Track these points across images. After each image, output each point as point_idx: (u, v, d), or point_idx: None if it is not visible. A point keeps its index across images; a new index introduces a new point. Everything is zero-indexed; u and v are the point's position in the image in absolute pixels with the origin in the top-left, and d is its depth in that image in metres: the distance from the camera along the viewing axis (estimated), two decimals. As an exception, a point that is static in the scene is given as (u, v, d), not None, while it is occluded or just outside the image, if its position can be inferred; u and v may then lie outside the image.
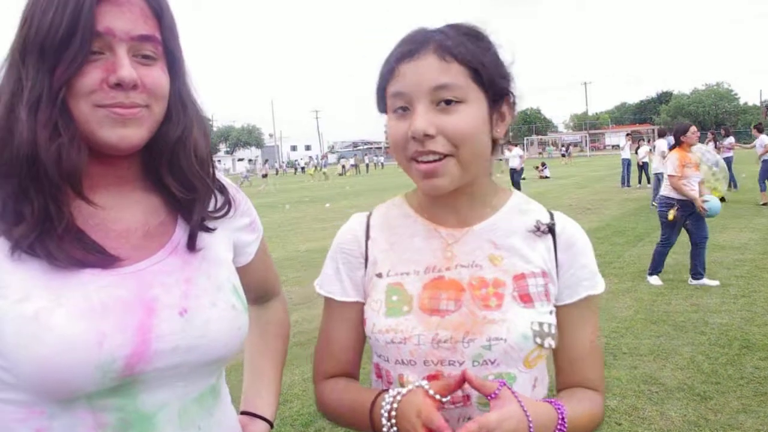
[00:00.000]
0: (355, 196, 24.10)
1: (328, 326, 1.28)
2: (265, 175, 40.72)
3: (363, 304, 1.23)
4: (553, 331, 1.14)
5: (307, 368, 4.92)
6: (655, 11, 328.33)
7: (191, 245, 1.09)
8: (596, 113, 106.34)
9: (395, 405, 1.06)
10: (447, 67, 1.07)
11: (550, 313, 1.15)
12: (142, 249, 1.04)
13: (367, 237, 1.25)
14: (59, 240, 0.94)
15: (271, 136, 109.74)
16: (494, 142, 1.16)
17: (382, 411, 1.08)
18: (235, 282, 1.14)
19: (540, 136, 77.28)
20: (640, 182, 19.90)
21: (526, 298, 1.13)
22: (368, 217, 1.28)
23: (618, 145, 44.00)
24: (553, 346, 1.14)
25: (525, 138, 72.73)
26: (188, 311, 1.02)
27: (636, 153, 20.35)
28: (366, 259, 1.24)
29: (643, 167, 19.61)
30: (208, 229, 1.13)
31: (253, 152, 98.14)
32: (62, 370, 0.89)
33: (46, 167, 0.93)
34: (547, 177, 26.99)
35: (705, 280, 6.90)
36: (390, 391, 1.10)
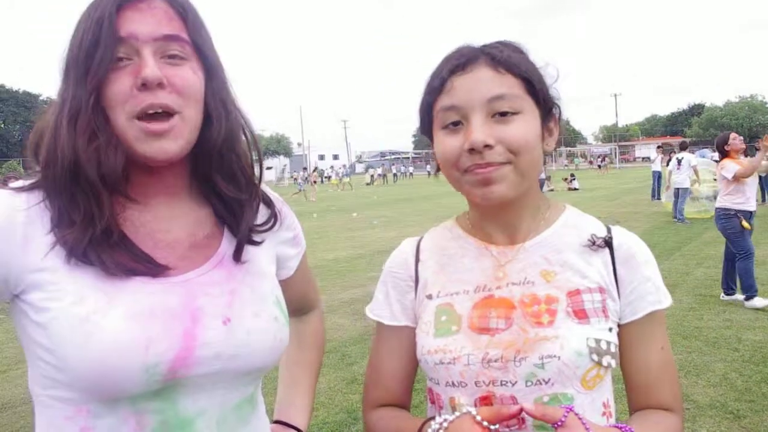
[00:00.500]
0: (383, 206, 24.11)
1: (378, 353, 1.27)
2: (314, 182, 40.90)
3: (413, 328, 1.21)
4: (613, 349, 1.09)
5: (332, 377, 4.94)
6: (686, 22, 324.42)
7: (237, 257, 1.11)
8: (626, 125, 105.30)
9: (446, 424, 1.03)
10: (501, 79, 1.06)
11: (609, 330, 1.10)
12: (188, 259, 1.07)
13: (417, 260, 1.24)
14: (111, 249, 0.99)
15: (299, 145, 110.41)
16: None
17: (432, 427, 1.05)
18: (278, 294, 1.16)
19: (568, 148, 76.66)
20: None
21: (581, 314, 1.08)
22: (419, 241, 1.27)
23: (648, 158, 43.45)
24: (614, 365, 1.09)
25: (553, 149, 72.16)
26: (231, 320, 1.04)
27: (667, 165, 20.03)
28: (416, 282, 1.22)
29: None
30: (255, 243, 1.15)
31: (281, 161, 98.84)
32: (111, 370, 0.93)
33: (86, 171, 0.98)
34: (575, 189, 26.73)
35: (738, 296, 6.75)
36: (437, 417, 1.06)
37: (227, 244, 1.13)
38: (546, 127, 1.13)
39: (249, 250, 1.14)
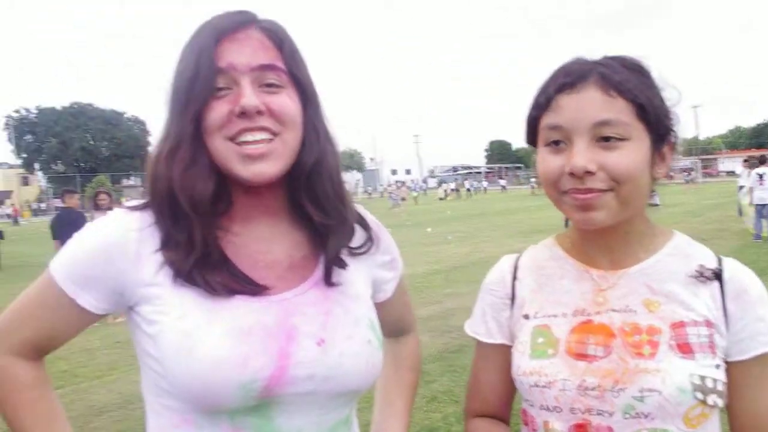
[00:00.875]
0: (457, 221, 23.95)
1: (477, 366, 1.29)
2: (403, 199, 41.20)
3: (509, 346, 1.20)
4: (720, 387, 1.02)
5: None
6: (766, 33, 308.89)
7: (327, 280, 1.13)
8: (708, 137, 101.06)
9: None
10: (611, 103, 1.01)
11: (717, 367, 1.03)
12: (286, 280, 1.10)
13: (515, 278, 1.22)
14: (213, 270, 1.04)
15: (372, 159, 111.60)
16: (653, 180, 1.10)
17: None
18: (372, 317, 1.16)
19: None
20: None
21: (685, 348, 1.03)
22: (517, 259, 1.26)
23: (733, 172, 41.48)
24: (720, 404, 1.03)
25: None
26: (325, 342, 1.06)
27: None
28: (512, 300, 1.21)
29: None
30: (344, 265, 1.16)
31: (354, 176, 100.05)
32: (210, 384, 0.97)
33: (179, 199, 1.03)
34: (656, 204, 25.78)
35: None
36: None
37: (323, 268, 1.15)
38: (658, 152, 1.08)
39: (344, 273, 1.16)
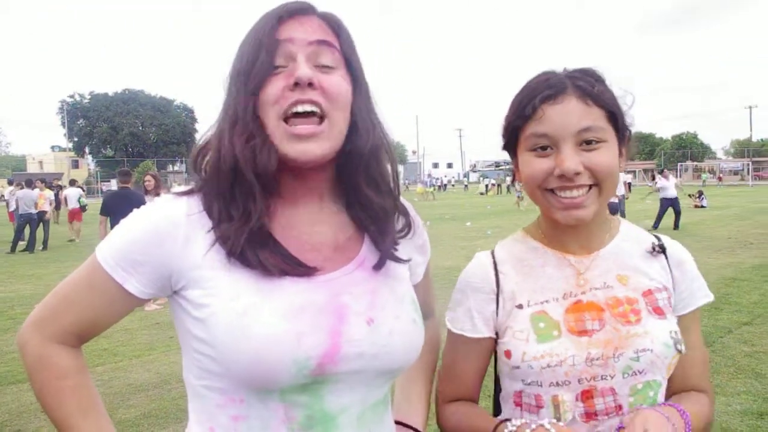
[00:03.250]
0: (496, 216, 23.83)
1: (454, 356, 1.37)
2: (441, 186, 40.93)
3: (494, 339, 1.31)
4: (681, 337, 1.24)
5: (433, 387, 4.88)
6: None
7: (379, 267, 1.16)
8: (761, 139, 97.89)
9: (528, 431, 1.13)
10: (589, 111, 1.17)
11: (676, 322, 1.27)
12: (332, 261, 1.13)
13: (497, 272, 1.32)
14: (264, 249, 1.06)
15: (414, 152, 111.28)
16: None
17: (508, 427, 1.17)
18: (414, 298, 1.21)
19: (695, 163, 72.30)
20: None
21: (659, 311, 1.24)
22: (492, 254, 1.36)
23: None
24: (684, 351, 1.24)
25: (679, 163, 68.31)
26: (374, 321, 1.09)
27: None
28: (497, 294, 1.30)
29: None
30: (398, 259, 1.20)
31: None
32: (266, 362, 1.00)
33: (243, 170, 1.05)
34: (703, 206, 25.12)
35: None
36: (513, 420, 1.18)
37: (367, 249, 1.18)
38: (619, 150, 1.24)
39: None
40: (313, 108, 1.05)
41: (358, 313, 1.08)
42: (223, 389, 1.06)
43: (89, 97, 78.27)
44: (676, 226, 16.72)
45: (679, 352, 1.22)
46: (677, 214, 16.94)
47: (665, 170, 19.24)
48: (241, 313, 1.01)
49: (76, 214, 19.20)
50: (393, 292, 1.16)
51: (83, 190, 21.80)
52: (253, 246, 1.05)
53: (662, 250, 1.31)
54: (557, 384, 1.20)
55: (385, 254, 1.17)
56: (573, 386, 1.20)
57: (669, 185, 17.16)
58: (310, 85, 1.05)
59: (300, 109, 1.04)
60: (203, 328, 1.04)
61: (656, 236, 1.35)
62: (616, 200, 15.82)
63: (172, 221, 1.07)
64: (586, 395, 1.19)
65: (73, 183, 21.54)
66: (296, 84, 1.04)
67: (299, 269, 1.07)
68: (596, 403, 1.19)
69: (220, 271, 1.05)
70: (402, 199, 1.29)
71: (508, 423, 1.18)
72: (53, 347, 1.10)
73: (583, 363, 1.19)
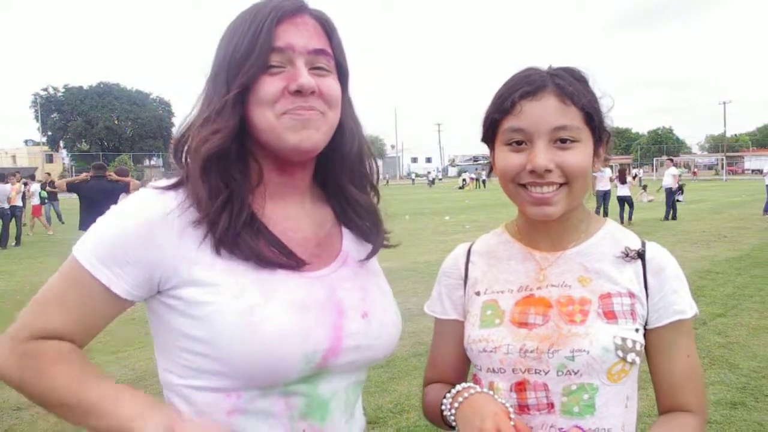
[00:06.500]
0: (475, 210, 23.94)
1: (434, 341, 1.44)
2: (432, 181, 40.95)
3: (462, 322, 1.36)
4: (639, 348, 1.21)
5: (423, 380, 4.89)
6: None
7: (368, 259, 1.23)
8: (735, 135, 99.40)
9: (466, 394, 1.18)
10: (566, 110, 1.18)
11: (636, 330, 1.22)
12: (317, 257, 1.16)
13: (468, 261, 1.39)
14: (257, 238, 1.07)
15: (392, 147, 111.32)
16: None
17: (450, 392, 1.22)
18: (391, 291, 1.27)
19: (670, 157, 73.23)
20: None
21: (610, 315, 1.21)
22: (470, 245, 1.43)
23: (760, 170, 40.87)
24: (638, 362, 1.21)
25: (654, 158, 69.11)
26: (368, 315, 1.16)
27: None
28: (465, 280, 1.37)
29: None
30: (387, 246, 1.27)
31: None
32: (275, 358, 1.01)
33: (210, 155, 1.05)
34: (679, 201, 25.44)
35: None
36: (457, 386, 1.23)
37: (348, 243, 1.23)
38: (596, 152, 1.26)
39: (365, 252, 1.24)
40: (313, 111, 1.09)
41: (354, 307, 1.14)
42: (218, 387, 1.04)
43: (63, 90, 77.30)
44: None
45: (623, 359, 1.18)
46: (669, 207, 17.88)
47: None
48: (248, 311, 1.01)
49: (37, 210, 19.19)
50: (378, 286, 1.23)
51: (44, 184, 21.70)
52: (246, 235, 1.05)
53: (640, 256, 1.27)
54: (493, 370, 1.24)
55: (377, 247, 1.23)
56: (508, 375, 1.22)
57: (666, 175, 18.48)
58: (312, 92, 1.08)
59: (302, 112, 1.07)
60: (202, 326, 1.02)
61: (643, 242, 1.31)
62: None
63: (163, 216, 1.04)
64: (520, 387, 1.21)
65: (33, 178, 21.49)
66: (298, 91, 1.06)
67: (291, 261, 1.09)
68: (528, 396, 1.21)
69: (215, 265, 1.04)
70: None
71: (452, 389, 1.23)
72: (40, 342, 1.03)
73: (517, 353, 1.21)
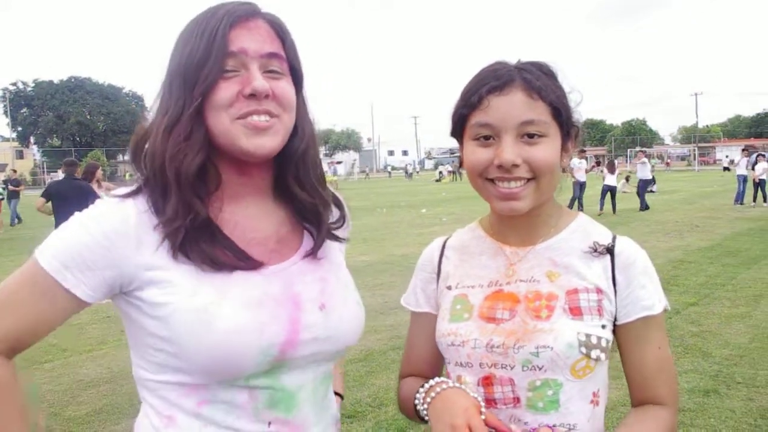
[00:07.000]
0: (451, 203, 23.99)
1: (409, 334, 1.46)
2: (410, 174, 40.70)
3: (435, 315, 1.36)
4: (604, 344, 1.20)
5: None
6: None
7: (315, 252, 1.23)
8: (707, 126, 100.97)
9: (439, 389, 1.19)
10: (533, 105, 1.18)
11: (603, 327, 1.21)
12: (277, 253, 1.19)
13: (442, 255, 1.40)
14: (212, 244, 1.09)
15: (369, 140, 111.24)
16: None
17: (423, 386, 1.22)
18: (353, 282, 1.31)
19: (644, 148, 74.22)
20: (755, 200, 18.72)
21: (575, 311, 1.21)
22: (446, 240, 1.44)
23: (732, 161, 41.60)
24: (603, 358, 1.21)
25: (628, 149, 69.95)
26: (326, 306, 1.18)
27: (753, 169, 19.16)
28: (438, 274, 1.39)
29: (760, 185, 18.62)
30: (337, 238, 1.30)
31: (351, 156, 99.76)
32: (231, 354, 1.05)
33: (171, 169, 1.08)
34: (652, 191, 25.82)
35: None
36: (431, 381, 1.23)
37: (309, 240, 1.25)
38: (564, 146, 1.25)
39: (325, 246, 1.26)
40: (267, 118, 1.11)
41: (312, 300, 1.16)
42: (183, 382, 1.08)
43: (33, 84, 75.85)
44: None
45: (586, 356, 1.18)
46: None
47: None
48: (202, 309, 1.04)
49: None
50: (338, 279, 1.26)
51: (6, 181, 21.44)
52: (200, 241, 1.08)
53: (609, 251, 1.26)
54: (461, 364, 1.25)
55: (318, 244, 1.23)
56: (475, 369, 1.23)
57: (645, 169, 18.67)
58: (266, 96, 1.09)
59: (256, 119, 1.09)
60: (163, 326, 1.05)
61: (613, 236, 1.30)
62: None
63: (123, 223, 1.06)
64: (486, 381, 1.22)
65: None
66: (252, 94, 1.08)
67: (247, 263, 1.11)
68: (495, 390, 1.21)
69: (173, 269, 1.07)
70: (336, 192, 1.37)
71: (425, 384, 1.23)
72: None
73: (484, 348, 1.22)
